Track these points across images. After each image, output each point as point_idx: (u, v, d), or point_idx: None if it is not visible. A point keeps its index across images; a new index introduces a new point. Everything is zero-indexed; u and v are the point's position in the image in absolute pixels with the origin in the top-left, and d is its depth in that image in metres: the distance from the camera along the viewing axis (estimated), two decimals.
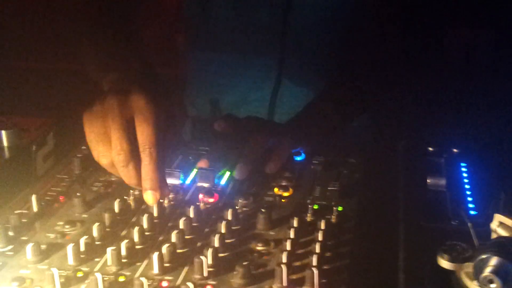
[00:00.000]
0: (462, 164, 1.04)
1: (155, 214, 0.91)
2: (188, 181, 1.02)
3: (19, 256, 0.83)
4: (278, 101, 1.44)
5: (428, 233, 0.86)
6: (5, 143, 1.06)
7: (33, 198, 0.92)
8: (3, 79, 1.87)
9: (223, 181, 1.02)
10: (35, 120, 1.14)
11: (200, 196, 0.96)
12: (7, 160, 1.03)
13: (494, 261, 0.69)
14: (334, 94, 1.29)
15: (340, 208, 0.92)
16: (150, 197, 0.89)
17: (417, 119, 1.52)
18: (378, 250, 0.86)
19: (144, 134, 0.89)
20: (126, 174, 0.90)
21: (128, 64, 1.03)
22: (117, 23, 1.21)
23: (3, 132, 1.06)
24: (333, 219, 0.90)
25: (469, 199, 0.94)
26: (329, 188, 0.98)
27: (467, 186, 0.98)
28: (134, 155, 0.89)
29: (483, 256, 0.70)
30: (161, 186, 0.90)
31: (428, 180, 0.97)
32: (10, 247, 0.84)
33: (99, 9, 1.24)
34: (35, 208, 0.92)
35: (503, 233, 0.75)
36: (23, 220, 0.90)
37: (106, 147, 0.90)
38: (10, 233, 0.87)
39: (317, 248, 0.81)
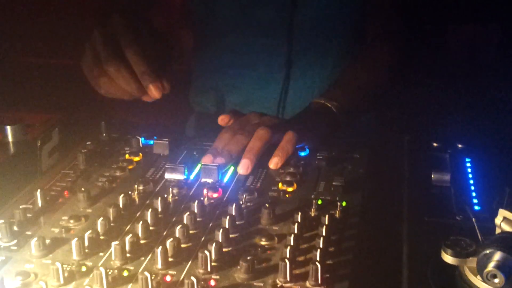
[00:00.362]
0: (467, 160, 1.03)
1: (160, 209, 0.91)
2: (192, 177, 1.02)
3: (23, 250, 0.83)
4: (285, 101, 1.44)
5: (432, 228, 0.86)
6: (10, 138, 1.06)
7: (38, 193, 0.93)
8: (8, 74, 1.87)
9: (227, 177, 1.02)
10: (40, 116, 1.14)
11: (204, 191, 0.96)
12: (12, 155, 1.04)
13: (497, 256, 0.69)
14: (338, 89, 1.28)
15: (344, 203, 0.92)
16: (154, 91, 0.98)
17: (422, 114, 1.51)
18: (382, 245, 0.86)
19: (127, 44, 0.97)
20: (123, 81, 0.97)
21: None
22: None
23: (8, 127, 1.06)
24: (337, 214, 0.90)
25: (474, 194, 0.94)
26: (333, 183, 0.98)
27: (471, 182, 0.98)
28: (124, 61, 0.97)
29: (487, 251, 0.70)
30: (161, 80, 0.98)
31: (432, 176, 0.97)
32: (14, 241, 0.85)
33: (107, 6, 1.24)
34: (39, 203, 0.93)
35: (507, 228, 0.75)
36: (28, 215, 0.90)
37: (99, 70, 0.98)
38: (15, 228, 0.87)
39: (321, 243, 0.81)
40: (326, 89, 1.30)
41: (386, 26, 1.45)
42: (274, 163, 1.03)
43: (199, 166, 1.03)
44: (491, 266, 0.69)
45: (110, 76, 0.98)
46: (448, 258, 0.75)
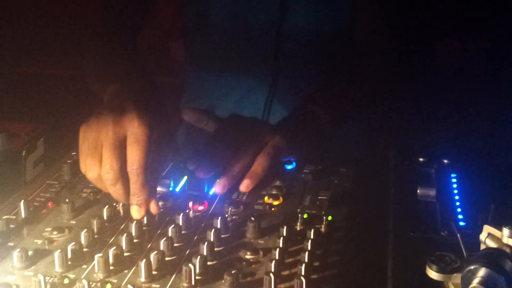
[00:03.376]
0: (453, 175, 1.04)
1: (144, 221, 0.90)
2: (178, 189, 1.02)
3: (5, 262, 0.82)
4: (273, 108, 1.44)
5: (417, 243, 0.86)
6: None
7: (22, 203, 0.92)
8: None
9: (213, 189, 1.01)
10: (25, 125, 1.13)
11: (190, 203, 0.96)
12: None
13: (482, 272, 0.69)
14: (324, 97, 1.29)
15: (330, 218, 0.92)
16: (135, 213, 0.91)
17: (408, 129, 1.52)
18: (367, 260, 0.86)
19: (133, 154, 0.90)
20: (114, 191, 0.91)
21: (128, 77, 1.03)
22: (120, 33, 1.21)
23: None
24: (323, 228, 0.89)
25: (459, 210, 0.94)
26: (319, 197, 0.98)
27: (457, 197, 0.98)
28: (123, 174, 0.90)
29: (472, 267, 0.70)
30: (149, 203, 0.91)
31: (418, 191, 0.97)
32: None
33: (102, 17, 1.24)
34: (23, 213, 0.92)
35: (492, 244, 0.75)
36: (11, 226, 0.89)
37: (94, 162, 0.90)
38: None
39: (306, 258, 0.80)
40: (312, 94, 1.30)
41: (375, 37, 1.45)
42: (245, 185, 1.03)
43: (185, 178, 1.03)
44: (475, 282, 0.69)
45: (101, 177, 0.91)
46: (433, 274, 0.75)
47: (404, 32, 1.47)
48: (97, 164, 0.90)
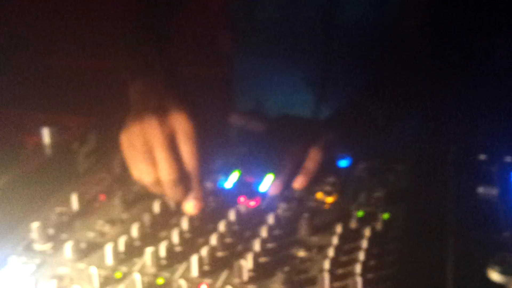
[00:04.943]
0: None
1: (196, 216, 0.89)
2: (230, 184, 1.00)
3: (58, 254, 0.82)
4: (323, 104, 1.41)
5: (478, 244, 0.82)
6: (47, 141, 1.06)
7: (74, 196, 0.92)
8: (46, 77, 1.89)
9: (265, 185, 1.00)
10: (77, 118, 1.14)
11: (242, 199, 0.94)
12: (49, 157, 1.03)
13: None
14: (376, 92, 1.26)
15: (386, 216, 0.89)
16: (191, 208, 0.89)
17: (469, 125, 1.48)
18: (426, 261, 0.83)
19: (189, 151, 0.88)
20: (174, 192, 0.89)
21: (153, 71, 1.00)
22: (156, 24, 1.19)
23: (45, 129, 1.06)
24: (379, 226, 0.87)
25: None
26: (375, 195, 0.95)
27: None
28: (182, 174, 0.88)
29: None
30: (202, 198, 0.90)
31: (479, 189, 0.93)
32: (50, 244, 0.84)
33: (140, 8, 1.22)
34: (75, 206, 0.92)
35: None
36: (64, 218, 0.90)
37: (149, 166, 0.88)
38: (50, 231, 0.86)
39: (361, 256, 0.78)
40: (364, 89, 1.27)
41: (429, 30, 1.41)
42: (299, 182, 1.00)
43: (237, 173, 1.02)
44: None
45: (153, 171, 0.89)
46: (495, 276, 0.72)
47: (464, 25, 1.43)
48: (152, 168, 0.88)
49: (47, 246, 0.83)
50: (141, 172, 0.89)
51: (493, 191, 0.93)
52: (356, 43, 1.39)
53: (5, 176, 0.97)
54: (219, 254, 0.82)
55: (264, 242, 0.82)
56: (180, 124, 0.89)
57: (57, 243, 0.84)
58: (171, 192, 0.89)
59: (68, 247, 0.81)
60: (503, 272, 0.71)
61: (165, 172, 0.87)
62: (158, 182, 0.89)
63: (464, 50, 1.44)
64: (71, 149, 1.05)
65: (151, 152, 0.89)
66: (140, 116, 0.91)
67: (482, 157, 1.03)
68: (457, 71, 1.42)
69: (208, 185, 0.98)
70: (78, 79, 1.87)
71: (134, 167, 0.91)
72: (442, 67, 1.37)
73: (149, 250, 0.79)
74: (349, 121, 1.16)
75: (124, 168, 1.03)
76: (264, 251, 0.82)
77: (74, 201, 0.92)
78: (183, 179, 0.88)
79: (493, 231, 0.85)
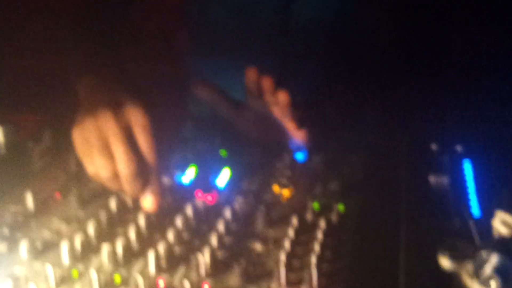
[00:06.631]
0: (465, 162, 1.02)
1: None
2: (186, 179, 1.01)
3: (13, 253, 0.81)
4: None
5: (429, 232, 0.84)
6: (0, 139, 1.04)
7: (29, 195, 0.91)
8: (0, 76, 1.86)
9: (222, 179, 1.00)
10: (31, 117, 1.13)
11: (198, 194, 0.95)
12: (3, 156, 1.02)
13: (494, 259, 0.68)
14: (330, 91, 1.27)
15: (341, 207, 0.90)
16: (151, 204, 0.89)
17: (421, 115, 1.50)
18: (379, 250, 0.84)
19: (146, 143, 0.88)
20: (132, 186, 0.88)
21: (105, 66, 1.00)
22: (109, 22, 1.18)
23: None
24: (334, 217, 0.88)
25: (472, 197, 0.92)
26: (330, 187, 0.97)
27: (470, 185, 0.96)
28: (140, 166, 0.88)
29: (483, 254, 0.69)
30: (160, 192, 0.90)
31: (430, 178, 0.95)
32: (4, 244, 0.83)
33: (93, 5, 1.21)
34: (30, 205, 0.91)
35: (505, 230, 0.74)
36: (18, 218, 0.89)
37: (106, 159, 0.87)
38: (5, 231, 0.85)
39: (317, 247, 0.79)
40: (318, 88, 1.29)
41: (383, 27, 1.44)
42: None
43: (193, 168, 1.02)
44: (488, 269, 0.68)
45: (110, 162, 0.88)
46: (445, 262, 0.73)
47: (417, 19, 1.45)
48: (110, 162, 0.88)
49: (2, 246, 0.83)
50: (98, 167, 0.88)
51: (444, 180, 0.95)
52: (311, 41, 1.40)
53: None
54: (176, 249, 0.82)
55: (221, 236, 0.83)
56: (134, 117, 0.89)
57: (12, 243, 0.83)
58: (129, 187, 0.89)
59: (23, 247, 0.80)
60: (452, 257, 0.73)
61: (123, 165, 0.87)
62: (115, 176, 0.88)
63: (414, 44, 1.47)
64: (26, 147, 1.04)
65: (107, 146, 0.88)
66: (92, 111, 0.90)
67: (434, 146, 1.05)
68: (408, 64, 1.44)
69: (165, 180, 0.98)
70: (32, 77, 1.85)
71: (90, 163, 0.90)
72: (392, 61, 1.40)
73: (105, 248, 0.79)
74: (304, 116, 1.17)
75: (79, 166, 1.02)
76: (221, 245, 0.82)
77: (29, 200, 0.91)
78: (141, 173, 0.88)
79: (444, 219, 0.87)
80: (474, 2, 1.67)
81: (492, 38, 1.71)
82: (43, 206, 0.92)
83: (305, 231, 0.85)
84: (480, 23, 1.74)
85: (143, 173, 0.88)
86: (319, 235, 0.82)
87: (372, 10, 1.42)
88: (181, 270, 0.78)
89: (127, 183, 0.88)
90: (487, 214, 0.84)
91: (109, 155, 0.88)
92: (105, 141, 0.88)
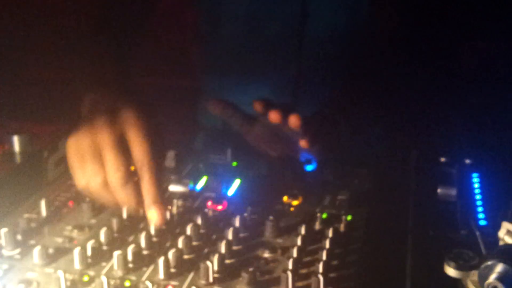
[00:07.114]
0: (474, 175, 1.02)
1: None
2: (197, 188, 1.02)
3: (26, 259, 0.83)
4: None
5: (436, 242, 0.85)
6: (17, 148, 1.07)
7: (43, 202, 0.93)
8: (17, 85, 1.89)
9: (232, 189, 1.02)
10: (47, 126, 1.15)
11: (209, 203, 0.96)
12: (18, 165, 1.04)
13: (499, 267, 0.69)
14: (342, 103, 1.28)
15: (349, 217, 0.91)
16: (155, 214, 0.88)
17: (430, 129, 1.51)
18: (386, 259, 0.85)
19: (140, 149, 0.87)
20: (124, 194, 0.87)
21: (109, 84, 1.00)
22: (117, 35, 1.19)
23: (15, 137, 1.06)
24: (342, 228, 0.89)
25: (480, 209, 0.93)
26: (338, 197, 0.98)
27: (478, 197, 0.97)
28: (130, 173, 0.87)
29: (488, 263, 0.69)
30: (163, 201, 0.89)
31: (438, 190, 0.96)
32: (18, 250, 0.85)
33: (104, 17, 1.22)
34: (44, 212, 0.93)
35: (510, 240, 0.74)
36: (32, 224, 0.90)
37: (97, 168, 0.86)
38: (19, 237, 0.87)
39: (324, 256, 0.80)
40: (331, 100, 1.30)
41: (395, 41, 1.45)
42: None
43: (204, 178, 1.03)
44: (492, 277, 0.69)
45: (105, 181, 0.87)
46: (451, 271, 0.74)
47: (427, 32, 1.46)
48: (100, 169, 0.86)
49: (15, 252, 0.84)
50: (88, 175, 0.87)
51: (452, 192, 0.96)
52: (326, 55, 1.42)
53: None
54: (186, 256, 0.83)
55: (229, 244, 0.84)
56: (131, 124, 0.88)
57: (25, 249, 0.85)
58: (121, 196, 0.87)
59: (36, 252, 0.82)
60: (458, 267, 0.74)
61: (113, 170, 0.85)
62: (105, 186, 0.87)
63: (423, 58, 1.48)
64: (41, 156, 1.06)
65: (100, 156, 0.87)
66: (87, 121, 0.90)
67: (442, 159, 1.06)
68: (417, 78, 1.45)
69: (178, 189, 0.99)
70: (48, 88, 1.88)
71: (78, 172, 0.88)
72: (403, 75, 1.41)
73: (116, 254, 0.80)
74: (315, 129, 1.18)
75: None
76: (230, 253, 0.83)
77: (43, 207, 0.93)
78: (132, 179, 0.87)
79: (450, 230, 0.87)
80: (484, 12, 1.68)
81: (503, 52, 1.72)
82: (56, 214, 0.94)
83: (313, 240, 0.86)
84: (491, 37, 1.75)
85: (135, 183, 0.87)
86: (326, 244, 0.83)
87: (384, 23, 1.44)
88: (189, 277, 0.79)
89: (119, 191, 0.87)
90: (493, 225, 0.85)
91: (101, 164, 0.86)
92: (98, 151, 0.87)
